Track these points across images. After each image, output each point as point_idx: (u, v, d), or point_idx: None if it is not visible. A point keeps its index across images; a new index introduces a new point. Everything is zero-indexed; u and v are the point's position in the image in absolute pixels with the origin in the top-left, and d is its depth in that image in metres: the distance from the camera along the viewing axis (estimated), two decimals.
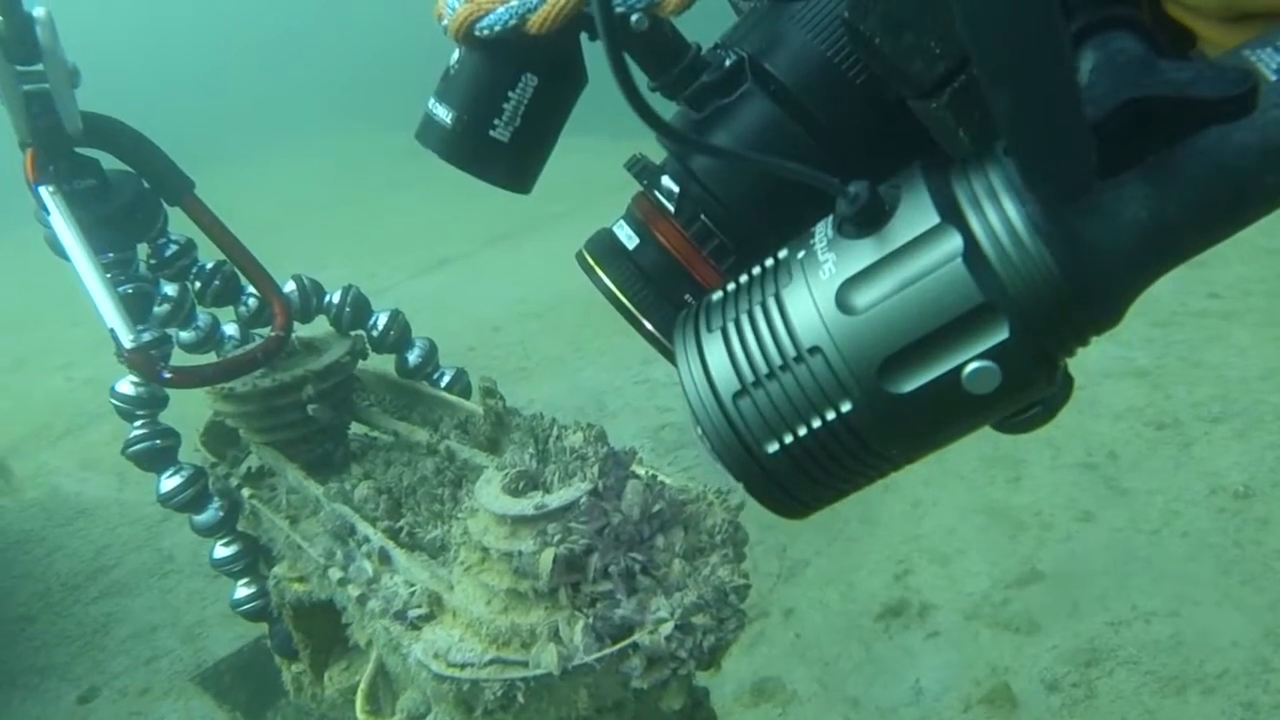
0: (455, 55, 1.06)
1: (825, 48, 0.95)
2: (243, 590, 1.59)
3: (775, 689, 2.83)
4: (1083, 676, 2.65)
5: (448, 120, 1.05)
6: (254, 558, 1.57)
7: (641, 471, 1.29)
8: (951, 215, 0.74)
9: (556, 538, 1.08)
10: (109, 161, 1.45)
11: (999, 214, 0.73)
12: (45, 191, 1.33)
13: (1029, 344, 0.73)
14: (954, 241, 0.72)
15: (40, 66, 1.27)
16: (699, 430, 0.83)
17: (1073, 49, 0.79)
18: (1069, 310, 0.73)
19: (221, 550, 1.56)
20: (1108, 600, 2.86)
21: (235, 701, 2.72)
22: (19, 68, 1.27)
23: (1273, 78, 0.69)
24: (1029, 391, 0.80)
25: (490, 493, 1.14)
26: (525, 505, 1.10)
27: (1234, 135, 0.68)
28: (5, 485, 3.90)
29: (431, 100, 1.08)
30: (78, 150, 1.39)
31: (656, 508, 1.14)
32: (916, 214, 0.75)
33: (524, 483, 1.14)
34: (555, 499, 1.11)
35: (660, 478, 1.29)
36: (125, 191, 1.44)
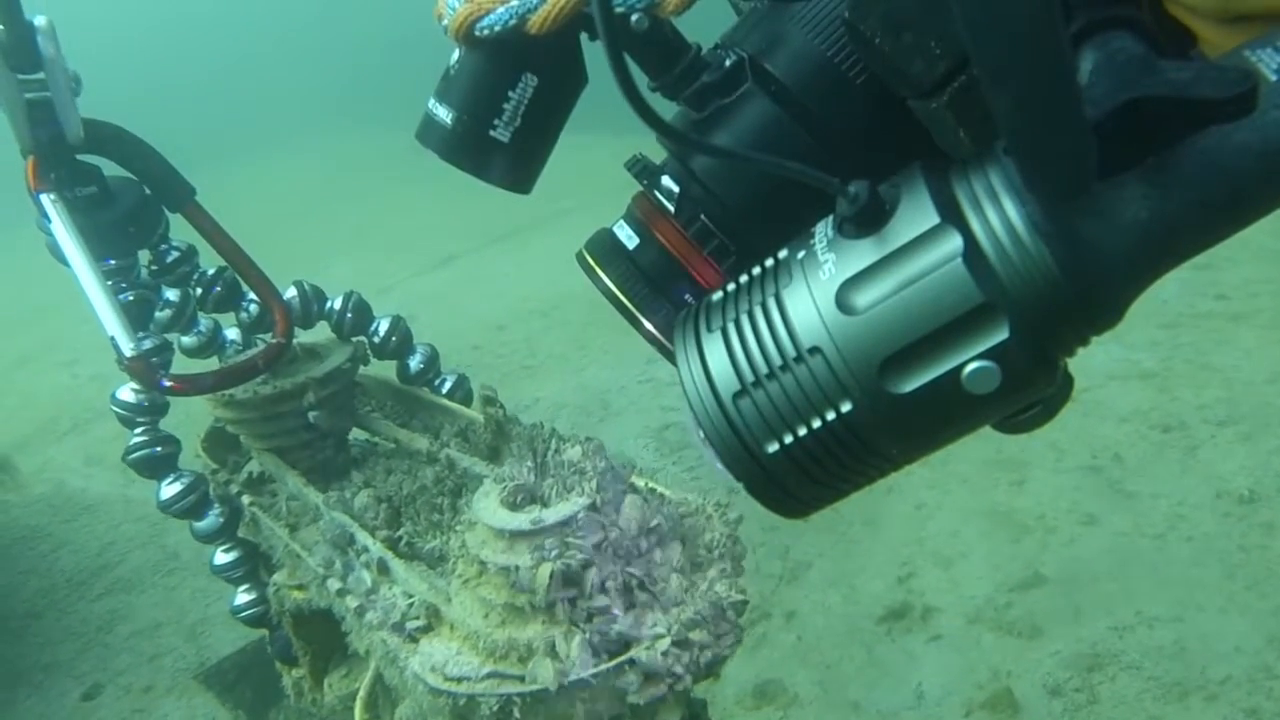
0: (455, 55, 1.06)
1: (825, 48, 0.94)
2: (243, 596, 1.60)
3: (777, 692, 2.83)
4: (1085, 681, 2.64)
5: (448, 120, 1.05)
6: (254, 564, 1.57)
7: (640, 483, 1.29)
8: (951, 215, 0.74)
9: (554, 553, 1.08)
10: (110, 168, 1.45)
11: (999, 214, 0.73)
12: (46, 199, 1.33)
13: (1029, 344, 0.73)
14: (954, 241, 0.72)
15: (41, 75, 1.27)
16: (700, 433, 0.83)
17: (1073, 49, 0.78)
18: (1069, 310, 0.72)
19: (222, 556, 1.56)
20: (1111, 605, 2.86)
21: (238, 700, 2.73)
22: (20, 76, 1.26)
23: (1273, 78, 0.69)
24: (1029, 391, 0.79)
25: (488, 506, 1.14)
26: (522, 520, 1.10)
27: (1234, 136, 0.68)
28: (11, 481, 3.92)
29: (431, 100, 1.08)
30: (79, 157, 1.39)
31: (654, 522, 1.14)
32: (916, 214, 0.75)
33: (521, 497, 1.14)
34: (553, 514, 1.11)
35: (659, 490, 1.29)
36: (126, 198, 1.44)
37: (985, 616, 2.93)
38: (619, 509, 1.13)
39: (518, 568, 1.09)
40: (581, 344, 4.92)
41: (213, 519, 1.53)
